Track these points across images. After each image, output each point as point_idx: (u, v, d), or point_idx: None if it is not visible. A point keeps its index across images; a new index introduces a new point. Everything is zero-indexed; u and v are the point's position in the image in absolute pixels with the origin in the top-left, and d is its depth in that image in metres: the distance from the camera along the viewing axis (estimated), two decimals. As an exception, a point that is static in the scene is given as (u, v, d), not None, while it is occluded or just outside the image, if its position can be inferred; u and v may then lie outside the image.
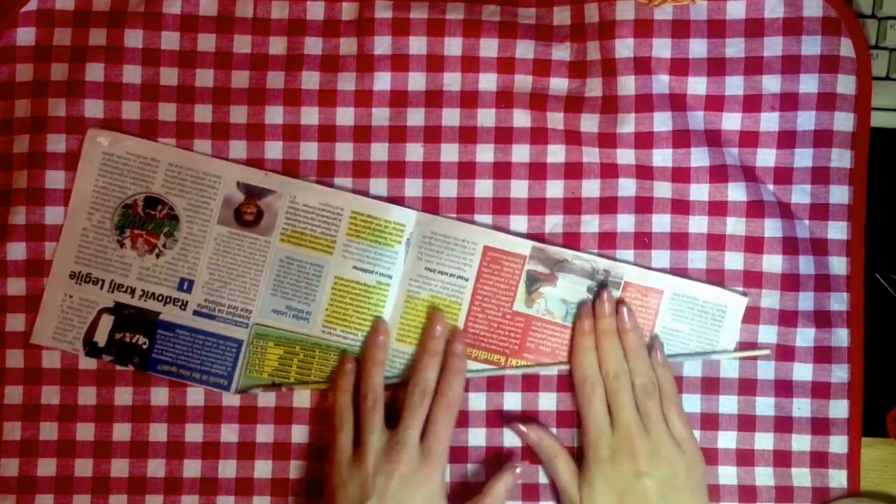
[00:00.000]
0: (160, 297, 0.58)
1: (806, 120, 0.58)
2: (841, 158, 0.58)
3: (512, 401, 0.58)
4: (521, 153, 0.59)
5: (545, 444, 0.56)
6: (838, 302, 0.58)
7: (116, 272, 0.58)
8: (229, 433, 0.58)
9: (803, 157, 0.58)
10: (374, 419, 0.55)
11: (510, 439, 0.58)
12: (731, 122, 0.58)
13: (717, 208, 0.58)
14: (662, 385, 0.56)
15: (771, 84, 0.58)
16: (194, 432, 0.58)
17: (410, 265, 0.58)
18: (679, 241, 0.58)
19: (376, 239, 0.58)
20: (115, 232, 0.58)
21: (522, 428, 0.57)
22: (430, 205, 0.59)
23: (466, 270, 0.58)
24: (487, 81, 0.58)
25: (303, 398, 0.58)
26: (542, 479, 0.58)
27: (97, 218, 0.58)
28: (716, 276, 0.58)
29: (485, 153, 0.59)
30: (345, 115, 0.59)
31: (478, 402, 0.58)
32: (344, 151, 0.59)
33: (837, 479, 0.58)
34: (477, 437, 0.58)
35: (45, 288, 0.58)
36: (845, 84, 0.58)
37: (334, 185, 0.58)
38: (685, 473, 0.54)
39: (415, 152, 0.59)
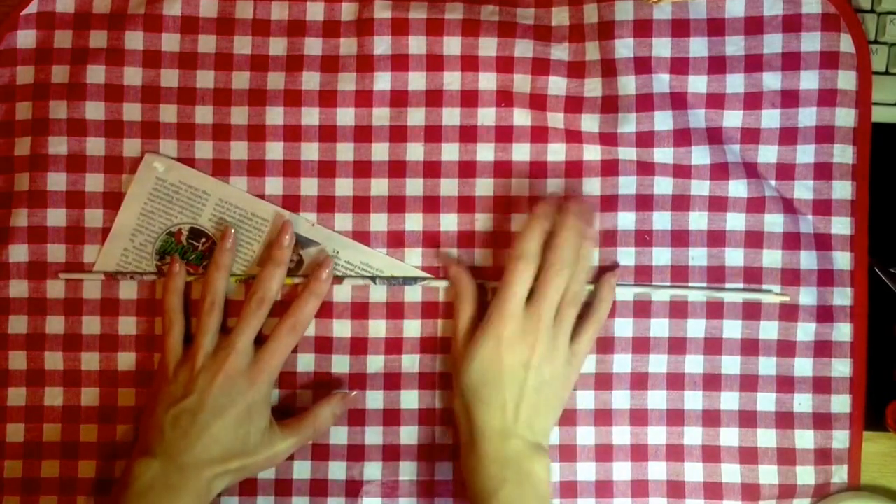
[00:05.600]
0: None
1: (807, 116, 0.58)
2: (843, 154, 0.58)
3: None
4: (521, 152, 0.59)
5: (462, 284, 0.57)
6: (841, 297, 0.58)
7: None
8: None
9: (805, 153, 0.58)
10: (210, 322, 0.55)
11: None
12: (733, 119, 0.58)
13: (718, 204, 0.58)
14: (599, 303, 0.57)
15: (771, 81, 0.58)
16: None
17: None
18: (680, 238, 0.58)
19: None
20: (156, 257, 0.59)
21: (450, 262, 0.58)
22: (431, 204, 0.59)
23: None
24: (487, 80, 0.59)
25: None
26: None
27: (139, 240, 0.59)
28: (716, 273, 0.58)
29: (485, 152, 0.59)
30: (345, 116, 0.59)
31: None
32: (345, 151, 0.59)
33: (839, 473, 0.58)
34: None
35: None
36: (846, 80, 0.58)
37: (335, 186, 0.59)
38: (564, 380, 0.55)
39: (415, 152, 0.59)
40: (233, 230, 0.57)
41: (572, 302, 0.55)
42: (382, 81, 0.59)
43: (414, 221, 0.59)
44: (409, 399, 0.59)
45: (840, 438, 0.58)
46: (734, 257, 0.58)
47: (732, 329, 0.58)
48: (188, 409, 0.53)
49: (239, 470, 0.54)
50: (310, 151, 0.59)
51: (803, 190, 0.58)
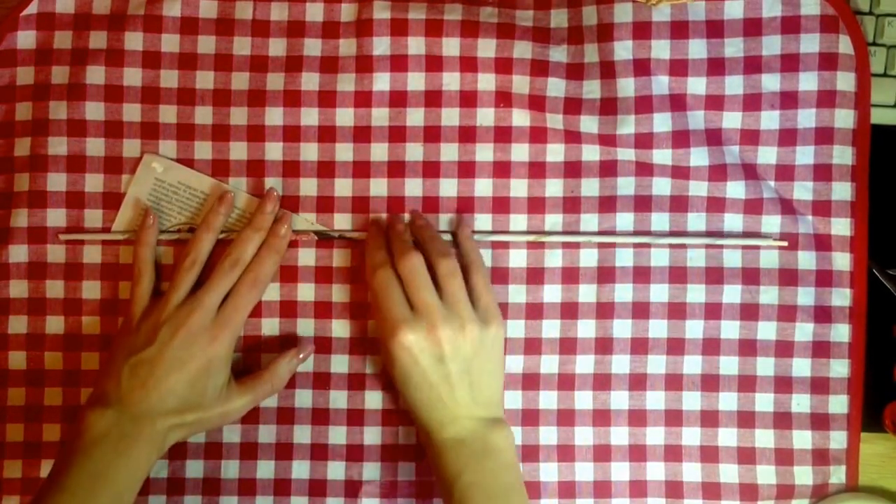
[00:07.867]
0: None
1: (806, 117, 0.58)
2: (842, 155, 0.58)
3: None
4: (520, 152, 0.59)
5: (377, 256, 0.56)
6: (840, 297, 0.58)
7: None
8: (231, 434, 0.59)
9: (804, 155, 0.58)
10: (186, 279, 0.56)
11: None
12: (732, 120, 0.58)
13: (716, 205, 0.58)
14: (469, 255, 0.57)
15: (770, 83, 0.58)
16: (196, 436, 0.58)
17: None
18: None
19: None
20: None
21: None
22: (430, 204, 0.59)
23: None
24: (486, 81, 0.59)
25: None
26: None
27: None
28: (715, 273, 0.58)
29: (484, 152, 0.59)
30: (344, 116, 0.59)
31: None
32: (344, 152, 0.59)
33: (837, 474, 0.58)
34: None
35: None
36: (845, 81, 0.58)
37: (334, 187, 0.59)
38: (490, 344, 0.54)
39: (414, 152, 0.59)
40: (231, 194, 0.57)
41: (449, 274, 0.54)
42: (381, 82, 0.59)
43: (413, 221, 0.59)
44: (408, 399, 0.59)
45: (838, 439, 0.58)
46: (732, 258, 0.58)
47: (730, 329, 0.58)
48: (147, 360, 0.53)
49: (194, 423, 0.54)
50: (309, 152, 0.59)
51: (803, 191, 0.58)
